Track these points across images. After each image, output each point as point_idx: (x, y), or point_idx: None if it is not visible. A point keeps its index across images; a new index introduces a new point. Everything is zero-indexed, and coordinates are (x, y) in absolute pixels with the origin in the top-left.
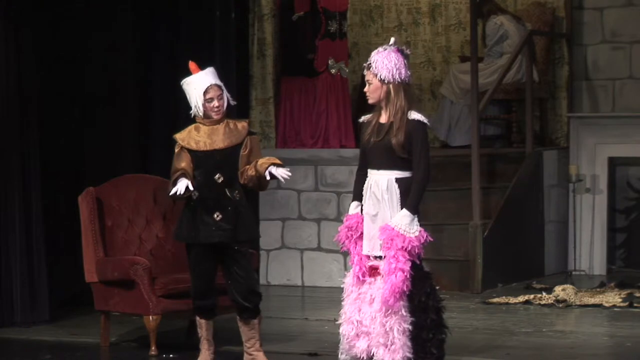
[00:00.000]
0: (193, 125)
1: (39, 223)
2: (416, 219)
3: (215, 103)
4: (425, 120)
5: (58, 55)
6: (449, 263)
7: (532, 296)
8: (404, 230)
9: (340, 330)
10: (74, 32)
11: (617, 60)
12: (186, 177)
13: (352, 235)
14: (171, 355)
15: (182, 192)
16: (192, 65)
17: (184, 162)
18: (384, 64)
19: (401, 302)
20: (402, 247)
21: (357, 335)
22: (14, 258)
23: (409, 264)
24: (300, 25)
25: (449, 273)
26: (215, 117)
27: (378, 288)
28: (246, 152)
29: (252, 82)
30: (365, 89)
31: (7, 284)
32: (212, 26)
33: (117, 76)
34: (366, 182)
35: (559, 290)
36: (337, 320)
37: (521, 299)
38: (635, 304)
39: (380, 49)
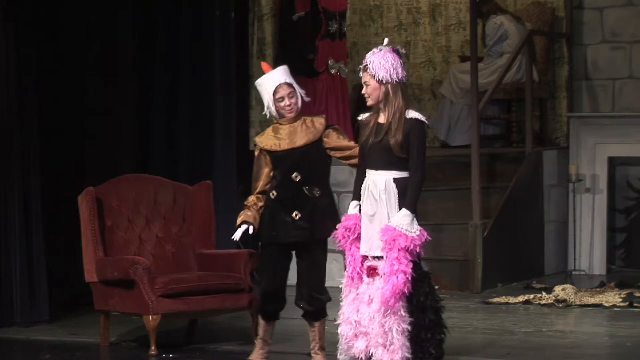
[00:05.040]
0: (271, 127)
1: (39, 223)
2: (415, 218)
3: (287, 102)
4: (424, 119)
5: (58, 55)
6: (449, 263)
7: (532, 296)
8: (406, 230)
9: (339, 331)
10: (75, 32)
11: (617, 60)
12: (248, 222)
13: (348, 237)
14: (171, 355)
15: (237, 239)
16: (264, 65)
17: (263, 172)
18: (381, 64)
19: (400, 303)
20: (405, 247)
21: (356, 336)
22: (14, 258)
23: (411, 265)
24: (300, 25)
25: (449, 273)
26: (288, 115)
27: (377, 289)
28: (332, 142)
29: (252, 82)
30: (364, 91)
31: (7, 284)
32: (212, 26)
33: (117, 76)
34: (364, 182)
35: (559, 290)
36: (336, 321)
37: (521, 299)
38: (635, 304)
39: (375, 50)
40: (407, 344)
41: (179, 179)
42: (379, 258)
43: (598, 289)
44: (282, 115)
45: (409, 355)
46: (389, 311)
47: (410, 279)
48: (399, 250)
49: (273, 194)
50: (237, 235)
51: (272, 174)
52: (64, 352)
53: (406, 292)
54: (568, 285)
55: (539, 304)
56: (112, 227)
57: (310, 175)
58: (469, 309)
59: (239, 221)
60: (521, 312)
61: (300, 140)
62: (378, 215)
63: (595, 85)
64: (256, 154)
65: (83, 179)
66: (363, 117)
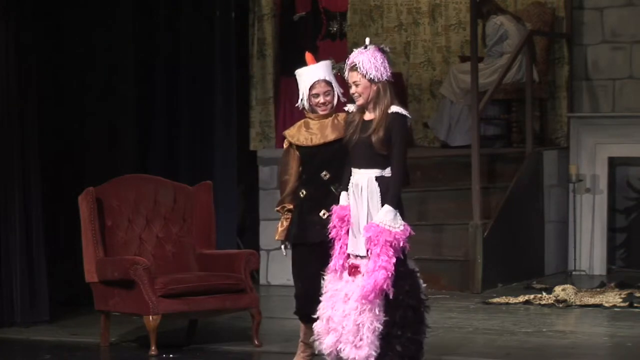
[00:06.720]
0: (302, 121)
1: (39, 223)
2: (398, 213)
3: (321, 99)
4: (405, 113)
5: (58, 55)
6: (449, 263)
7: (532, 296)
8: (389, 226)
9: (313, 326)
10: (75, 32)
11: (617, 60)
12: (282, 241)
13: (341, 227)
14: (171, 355)
15: (284, 254)
16: (308, 56)
17: (291, 168)
18: (372, 63)
19: (377, 300)
20: (388, 242)
21: (327, 332)
22: (14, 258)
23: (394, 261)
24: (301, 25)
25: (449, 273)
26: (320, 112)
27: (357, 286)
28: None
29: (252, 82)
30: (353, 90)
31: (7, 284)
32: (212, 26)
33: (117, 76)
34: (350, 180)
35: (559, 290)
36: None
37: (521, 299)
38: (635, 304)
39: (361, 49)
40: (376, 342)
41: (179, 179)
42: (362, 257)
43: (598, 289)
44: (313, 110)
45: (374, 353)
46: (364, 307)
47: (390, 275)
48: (382, 245)
49: (302, 193)
50: (283, 252)
51: (300, 170)
52: (64, 352)
53: (385, 288)
54: (568, 285)
55: (539, 304)
56: (112, 227)
57: (339, 172)
58: (469, 309)
59: (276, 237)
60: (521, 312)
61: (331, 135)
62: (362, 215)
63: (595, 85)
64: (285, 145)
65: (83, 179)
66: (351, 107)
